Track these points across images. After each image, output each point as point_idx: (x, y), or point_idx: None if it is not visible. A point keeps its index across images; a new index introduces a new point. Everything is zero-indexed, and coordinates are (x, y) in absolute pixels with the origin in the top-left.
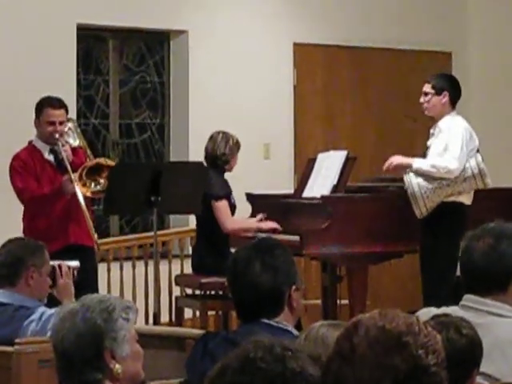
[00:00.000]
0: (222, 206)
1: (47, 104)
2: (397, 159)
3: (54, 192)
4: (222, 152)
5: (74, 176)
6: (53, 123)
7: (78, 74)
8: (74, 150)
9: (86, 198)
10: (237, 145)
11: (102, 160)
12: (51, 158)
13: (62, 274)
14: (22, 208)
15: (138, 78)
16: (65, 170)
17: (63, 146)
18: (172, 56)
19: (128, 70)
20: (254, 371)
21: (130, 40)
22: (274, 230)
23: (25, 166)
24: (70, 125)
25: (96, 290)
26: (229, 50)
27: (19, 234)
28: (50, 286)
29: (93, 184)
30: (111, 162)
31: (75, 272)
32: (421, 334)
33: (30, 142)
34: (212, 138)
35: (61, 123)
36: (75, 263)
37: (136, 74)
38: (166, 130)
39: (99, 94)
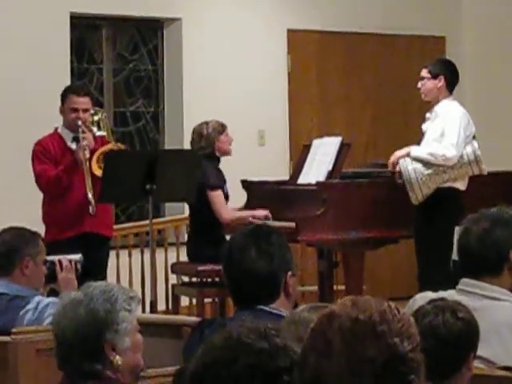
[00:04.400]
0: (217, 195)
1: (71, 91)
2: (396, 155)
3: (67, 167)
4: (198, 146)
5: (87, 145)
6: (76, 110)
7: (71, 62)
8: (96, 138)
9: (99, 178)
10: (215, 130)
11: (114, 146)
12: (73, 146)
13: (62, 269)
14: (42, 196)
15: (132, 66)
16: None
17: (84, 132)
18: (166, 44)
19: (122, 59)
20: (238, 347)
21: (123, 28)
22: (266, 218)
23: (44, 151)
24: (98, 116)
25: (104, 279)
26: (222, 38)
27: (39, 221)
28: (51, 281)
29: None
30: (120, 147)
31: (78, 265)
32: (394, 320)
33: (56, 129)
34: (191, 135)
35: (85, 111)
36: (77, 256)
37: (130, 63)
38: (161, 118)
39: (93, 83)
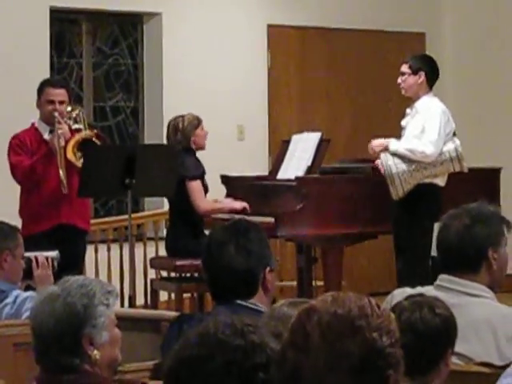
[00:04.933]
0: (195, 185)
1: (48, 83)
2: (375, 143)
3: (42, 157)
4: (174, 140)
5: (62, 132)
6: (52, 102)
7: (51, 57)
8: (72, 131)
9: (74, 167)
10: (191, 123)
11: (90, 134)
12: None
13: (38, 265)
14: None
15: (112, 60)
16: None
17: (60, 123)
18: (145, 38)
19: (101, 53)
20: (214, 344)
21: (103, 23)
22: (244, 210)
23: (21, 144)
24: (75, 112)
25: (81, 272)
26: (202, 33)
27: (16, 216)
28: (27, 278)
29: (82, 159)
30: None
31: (55, 262)
32: (374, 315)
33: (33, 124)
34: (167, 128)
35: (61, 102)
36: (54, 253)
37: (109, 57)
38: (140, 113)
39: (73, 77)
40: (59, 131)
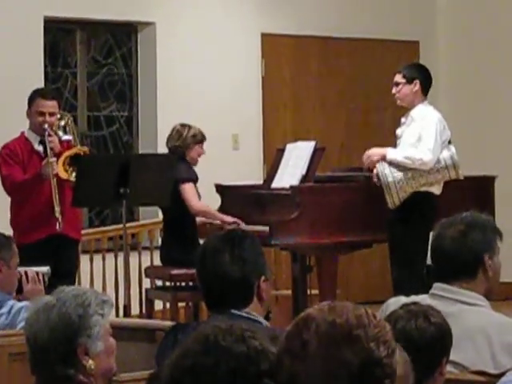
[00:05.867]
0: (188, 187)
1: (39, 94)
2: (373, 152)
3: (34, 176)
4: (173, 144)
5: (55, 160)
6: (43, 113)
7: (45, 66)
8: (62, 142)
9: (67, 181)
10: (194, 137)
11: (79, 150)
12: (40, 148)
13: (28, 280)
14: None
15: (106, 70)
16: (46, 155)
17: (50, 135)
18: (140, 48)
19: (95, 63)
20: (218, 352)
21: (97, 32)
22: (236, 224)
23: (12, 154)
24: (64, 121)
25: (74, 282)
26: (196, 42)
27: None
28: (18, 293)
29: (74, 173)
30: (86, 151)
31: (45, 277)
32: (371, 325)
33: (23, 133)
34: (171, 130)
35: (51, 114)
36: (45, 269)
37: (104, 67)
38: (135, 122)
39: (67, 87)
40: (50, 144)
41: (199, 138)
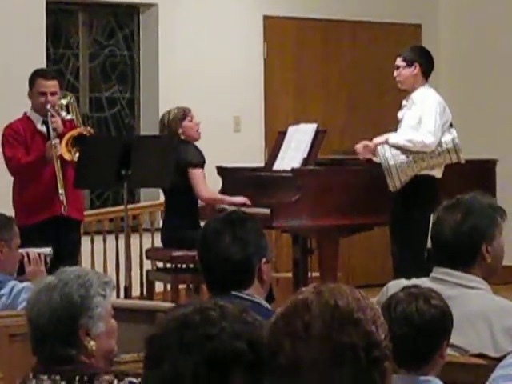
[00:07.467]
0: (199, 173)
1: (39, 75)
2: (376, 141)
3: (38, 159)
4: (165, 135)
5: (58, 141)
6: (44, 94)
7: (47, 48)
8: (65, 122)
9: (70, 163)
10: (176, 117)
11: (83, 130)
12: (43, 128)
13: (30, 262)
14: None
15: (108, 51)
16: (50, 136)
17: (53, 116)
18: (142, 29)
19: (98, 44)
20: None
21: (99, 14)
22: (243, 204)
23: (15, 136)
24: (66, 100)
25: (76, 263)
26: (198, 24)
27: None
28: (19, 274)
29: (77, 153)
30: (91, 131)
31: (48, 258)
32: (367, 308)
33: (25, 114)
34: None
35: (52, 94)
36: (47, 250)
37: (106, 48)
38: (136, 104)
39: (69, 68)
40: (51, 124)
41: (181, 115)
